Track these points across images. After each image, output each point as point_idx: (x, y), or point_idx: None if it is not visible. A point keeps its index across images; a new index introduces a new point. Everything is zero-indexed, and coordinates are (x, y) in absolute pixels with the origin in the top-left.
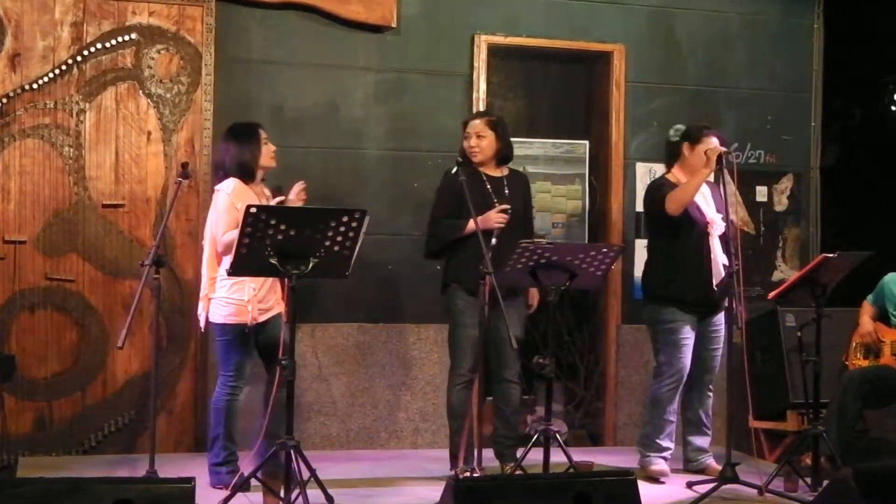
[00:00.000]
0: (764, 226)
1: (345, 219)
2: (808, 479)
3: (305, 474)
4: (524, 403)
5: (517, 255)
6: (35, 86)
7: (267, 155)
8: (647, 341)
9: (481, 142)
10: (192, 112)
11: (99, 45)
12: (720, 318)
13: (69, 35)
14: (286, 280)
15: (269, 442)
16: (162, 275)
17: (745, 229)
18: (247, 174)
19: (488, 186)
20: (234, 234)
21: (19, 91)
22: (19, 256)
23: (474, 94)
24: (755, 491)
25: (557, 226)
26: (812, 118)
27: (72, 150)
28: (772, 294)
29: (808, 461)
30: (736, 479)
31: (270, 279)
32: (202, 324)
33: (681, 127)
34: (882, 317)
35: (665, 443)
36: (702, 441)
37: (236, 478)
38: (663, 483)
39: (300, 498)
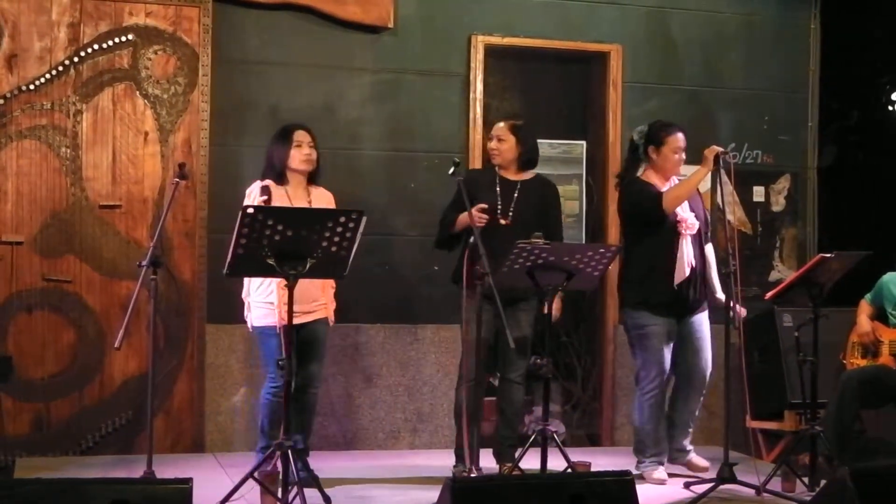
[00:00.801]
0: (761, 226)
1: (342, 219)
2: (806, 479)
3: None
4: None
5: (514, 255)
6: (32, 87)
7: (296, 157)
8: None
9: (501, 145)
10: (188, 113)
11: (96, 46)
12: (700, 319)
13: (66, 36)
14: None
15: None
16: (159, 276)
17: (741, 229)
18: (275, 175)
19: (498, 189)
20: None
21: (16, 92)
22: (16, 257)
23: (471, 95)
24: (753, 491)
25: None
26: (809, 118)
27: (69, 150)
28: (769, 294)
29: (806, 461)
30: (733, 479)
31: (312, 281)
32: (249, 327)
33: (643, 128)
34: (880, 316)
35: (655, 448)
36: (684, 440)
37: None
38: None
39: (297, 498)
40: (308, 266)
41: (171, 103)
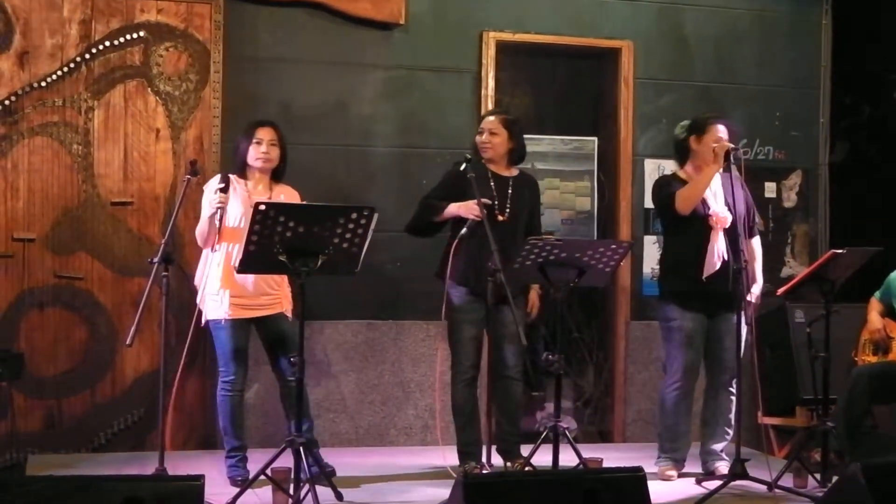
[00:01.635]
0: (773, 222)
1: (353, 216)
2: (818, 475)
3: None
4: (531, 399)
5: (526, 251)
6: (43, 83)
7: (253, 154)
8: (655, 338)
9: (493, 139)
10: (200, 109)
11: (107, 43)
12: (734, 315)
13: (77, 33)
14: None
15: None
16: (171, 272)
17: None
18: (237, 169)
19: (492, 185)
20: (199, 225)
21: (28, 89)
22: (28, 254)
23: (483, 91)
24: (765, 487)
25: (566, 222)
26: (821, 114)
27: (80, 147)
28: (781, 290)
29: (818, 457)
30: (745, 475)
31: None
32: (203, 321)
33: (686, 122)
34: (890, 313)
35: (673, 444)
36: (714, 444)
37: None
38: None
39: (309, 495)
40: (320, 263)
41: (183, 100)
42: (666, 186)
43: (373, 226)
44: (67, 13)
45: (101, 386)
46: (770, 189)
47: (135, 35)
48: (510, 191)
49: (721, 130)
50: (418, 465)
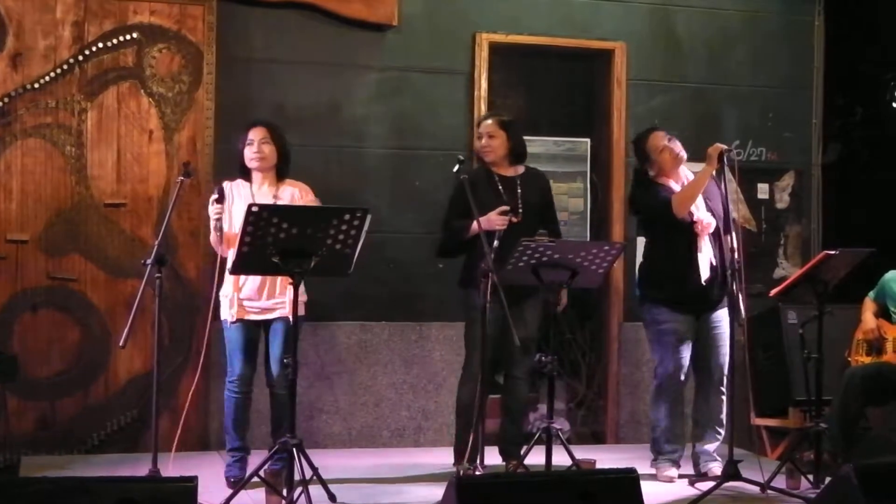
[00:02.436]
0: (765, 223)
1: (346, 217)
2: (811, 476)
3: (308, 473)
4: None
5: (519, 252)
6: (37, 85)
7: (247, 156)
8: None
9: (492, 141)
10: (193, 111)
11: (100, 45)
12: (719, 315)
13: (70, 34)
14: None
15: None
16: (164, 273)
17: (746, 226)
18: (242, 172)
19: (500, 186)
20: (210, 237)
21: (21, 90)
22: (21, 256)
23: (476, 93)
24: (757, 488)
25: (559, 223)
26: (813, 115)
27: (73, 149)
28: (774, 291)
29: (811, 458)
30: (738, 477)
31: (260, 279)
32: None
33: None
34: (883, 314)
35: (670, 446)
36: (708, 444)
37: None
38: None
39: (303, 496)
40: (313, 264)
41: (176, 102)
42: (657, 192)
43: (366, 227)
44: (60, 15)
45: (95, 387)
46: (763, 190)
47: (128, 37)
48: (519, 190)
49: (658, 136)
50: (411, 467)
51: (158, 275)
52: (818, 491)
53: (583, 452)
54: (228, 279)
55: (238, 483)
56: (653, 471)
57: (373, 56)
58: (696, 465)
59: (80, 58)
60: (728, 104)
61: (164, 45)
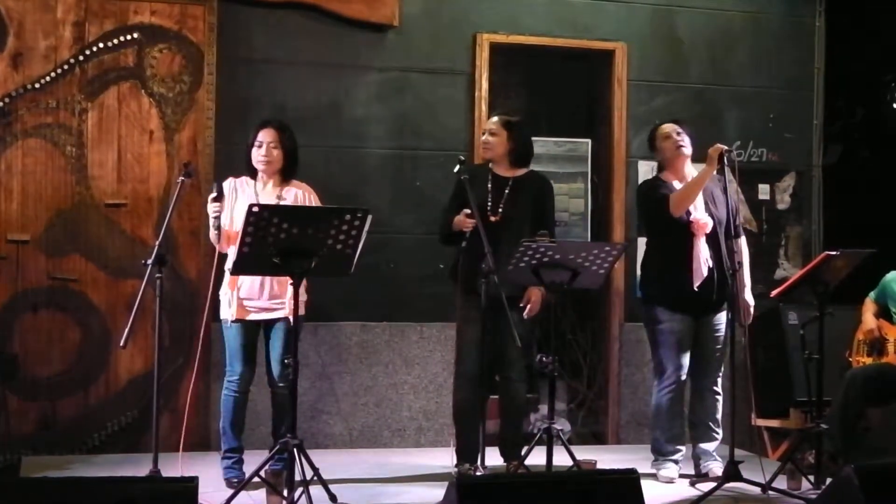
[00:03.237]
0: (766, 224)
1: (347, 217)
2: (812, 477)
3: (309, 473)
4: (529, 402)
5: (520, 253)
6: (37, 85)
7: (254, 157)
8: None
9: (492, 139)
10: (194, 111)
11: (101, 45)
12: (720, 317)
13: (71, 34)
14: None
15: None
16: (164, 274)
17: (747, 227)
18: (248, 171)
19: (489, 185)
20: (210, 234)
21: (21, 91)
22: (22, 256)
23: (476, 93)
24: (758, 489)
25: (560, 224)
26: (814, 116)
27: (74, 149)
28: (774, 292)
29: (812, 459)
30: (739, 477)
31: (259, 279)
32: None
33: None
34: (884, 314)
35: (671, 446)
36: (706, 445)
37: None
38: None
39: (304, 497)
40: (313, 264)
41: (177, 102)
42: (656, 189)
43: (367, 227)
44: (61, 15)
45: (95, 388)
46: (763, 191)
47: (128, 37)
48: (507, 192)
49: (667, 127)
50: (412, 467)
51: (159, 275)
52: (819, 492)
53: (583, 453)
54: (227, 279)
55: (239, 484)
56: (653, 471)
57: (373, 56)
58: (696, 465)
59: (81, 58)
60: (729, 105)
61: (165, 45)
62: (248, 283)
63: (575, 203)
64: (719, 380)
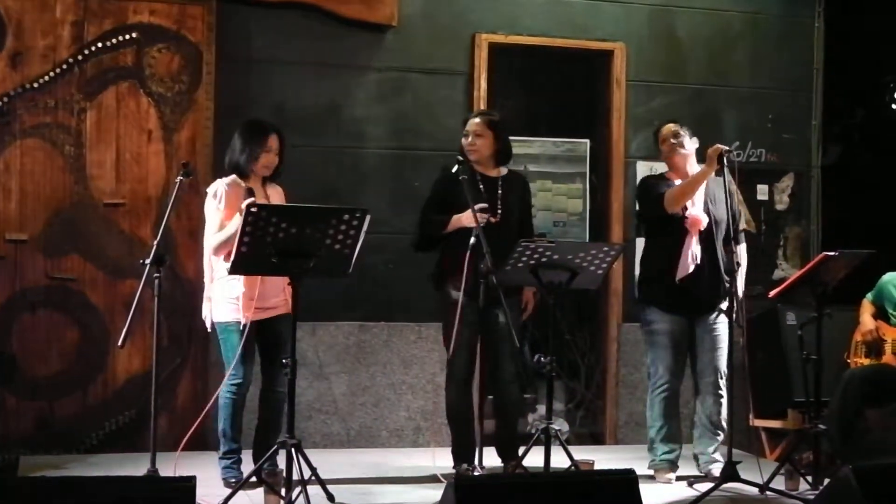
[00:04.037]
0: (765, 224)
1: (346, 217)
2: (810, 478)
3: (306, 473)
4: (525, 402)
5: (518, 253)
6: (36, 85)
7: (262, 162)
8: None
9: (478, 140)
10: (192, 111)
11: (100, 44)
12: (714, 318)
13: (70, 34)
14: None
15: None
16: (163, 273)
17: (746, 228)
18: (240, 171)
19: (482, 186)
20: (218, 237)
21: (20, 90)
22: (20, 255)
23: (475, 93)
24: (756, 489)
25: (558, 224)
26: (813, 117)
27: (73, 148)
28: (773, 293)
29: (810, 459)
30: (737, 478)
31: (261, 279)
32: (208, 325)
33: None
34: (882, 315)
35: (666, 446)
36: (706, 445)
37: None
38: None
39: (301, 496)
40: (312, 264)
41: (176, 101)
42: (655, 186)
43: (365, 227)
44: (60, 14)
45: (93, 387)
46: (762, 191)
47: (127, 36)
48: (500, 191)
49: (669, 128)
50: (410, 467)
51: (157, 275)
52: (817, 492)
53: (581, 453)
54: (231, 281)
55: (237, 484)
56: (651, 472)
57: (372, 56)
58: (697, 465)
59: (80, 57)
60: (728, 105)
61: (164, 44)
62: (252, 284)
63: (573, 203)
64: (721, 380)
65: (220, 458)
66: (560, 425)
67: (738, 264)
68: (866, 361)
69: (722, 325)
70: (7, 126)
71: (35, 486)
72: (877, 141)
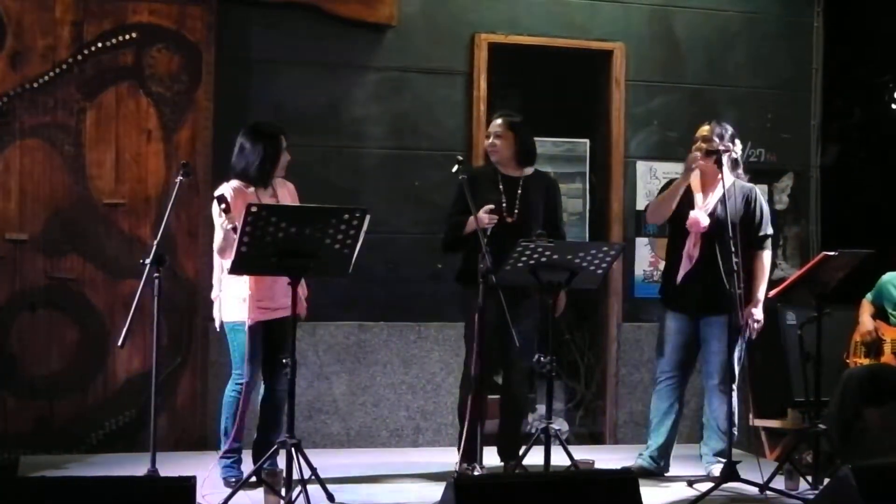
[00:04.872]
0: None
1: (345, 217)
2: (809, 477)
3: (306, 473)
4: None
5: (517, 253)
6: (35, 85)
7: (281, 162)
8: (647, 340)
9: (499, 141)
10: (192, 111)
11: (99, 44)
12: (718, 320)
13: (69, 34)
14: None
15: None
16: (162, 273)
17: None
18: (260, 177)
19: (501, 186)
20: (216, 241)
21: (20, 90)
22: (20, 255)
23: (475, 93)
24: (756, 489)
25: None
26: (812, 117)
27: (72, 148)
28: (772, 293)
29: (809, 459)
30: (737, 478)
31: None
32: (217, 325)
33: None
34: (881, 315)
35: (651, 439)
36: (709, 445)
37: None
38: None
39: (301, 496)
40: (312, 264)
41: (175, 101)
42: (662, 192)
43: (365, 227)
44: (59, 14)
45: (93, 387)
46: (761, 191)
47: (127, 36)
48: (519, 191)
49: (703, 130)
50: (409, 467)
51: (157, 274)
52: (817, 492)
53: (581, 453)
54: (240, 281)
55: (237, 483)
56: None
57: (372, 56)
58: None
59: (79, 57)
60: (726, 105)
61: (163, 44)
62: (262, 284)
63: (573, 203)
64: (725, 384)
65: (221, 458)
66: (560, 425)
67: (738, 264)
68: (865, 361)
69: (725, 326)
70: (7, 126)
71: (35, 486)
72: (876, 140)
